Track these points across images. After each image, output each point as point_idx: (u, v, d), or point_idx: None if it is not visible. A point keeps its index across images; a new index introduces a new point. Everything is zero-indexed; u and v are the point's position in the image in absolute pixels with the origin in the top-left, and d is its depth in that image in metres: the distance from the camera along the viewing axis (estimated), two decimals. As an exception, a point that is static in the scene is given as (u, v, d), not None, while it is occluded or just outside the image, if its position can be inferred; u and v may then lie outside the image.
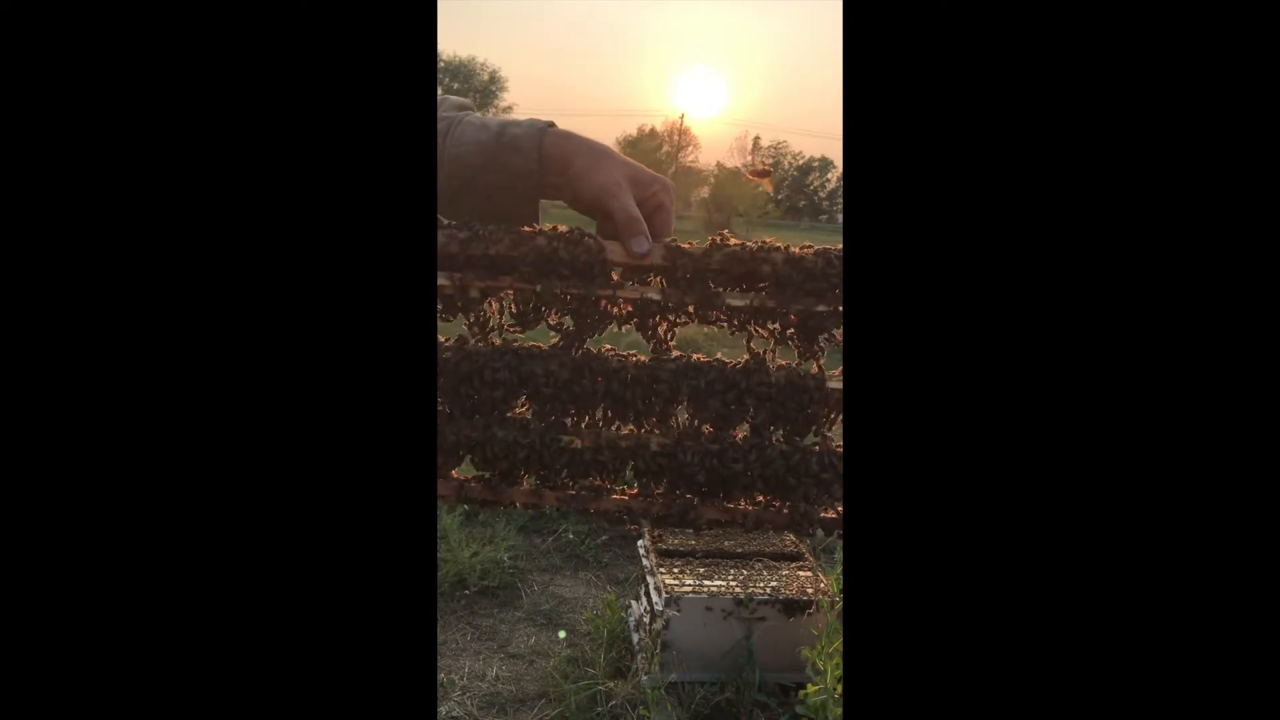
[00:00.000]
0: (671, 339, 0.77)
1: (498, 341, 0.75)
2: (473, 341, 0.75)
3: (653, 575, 2.39)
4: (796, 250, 0.73)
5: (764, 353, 0.76)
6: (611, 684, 2.35)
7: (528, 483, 0.76)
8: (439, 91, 0.82)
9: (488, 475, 0.75)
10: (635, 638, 2.47)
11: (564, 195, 0.77)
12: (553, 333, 0.76)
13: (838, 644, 1.99)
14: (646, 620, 2.39)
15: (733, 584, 2.33)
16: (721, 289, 0.74)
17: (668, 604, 2.26)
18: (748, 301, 0.74)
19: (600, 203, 0.74)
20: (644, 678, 2.28)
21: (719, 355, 0.78)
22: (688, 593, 2.27)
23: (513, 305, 0.75)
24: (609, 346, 0.77)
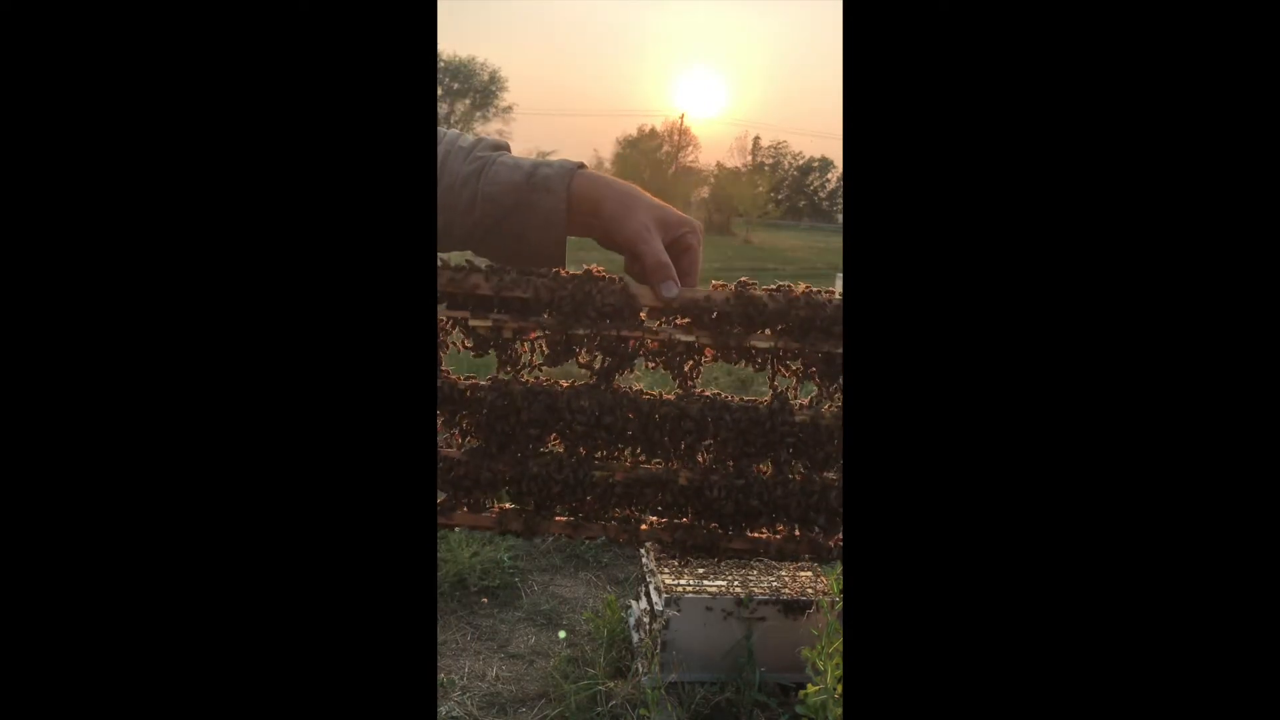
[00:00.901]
0: (697, 376, 0.80)
1: (529, 379, 0.79)
2: (507, 380, 0.78)
3: (653, 575, 2.39)
4: (820, 294, 0.76)
5: (786, 390, 0.79)
6: (611, 684, 2.35)
7: (561, 514, 0.79)
8: (458, 135, 0.83)
9: (523, 508, 0.78)
10: (635, 638, 2.47)
11: (594, 234, 0.80)
12: (583, 370, 0.79)
13: (838, 644, 1.98)
14: (646, 620, 2.39)
15: (733, 584, 2.33)
16: (745, 330, 0.77)
17: (668, 604, 2.26)
18: (771, 344, 0.77)
19: (630, 246, 0.77)
20: (644, 678, 2.28)
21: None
22: (688, 593, 2.27)
23: (544, 345, 0.78)
24: (638, 386, 0.80)
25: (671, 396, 0.79)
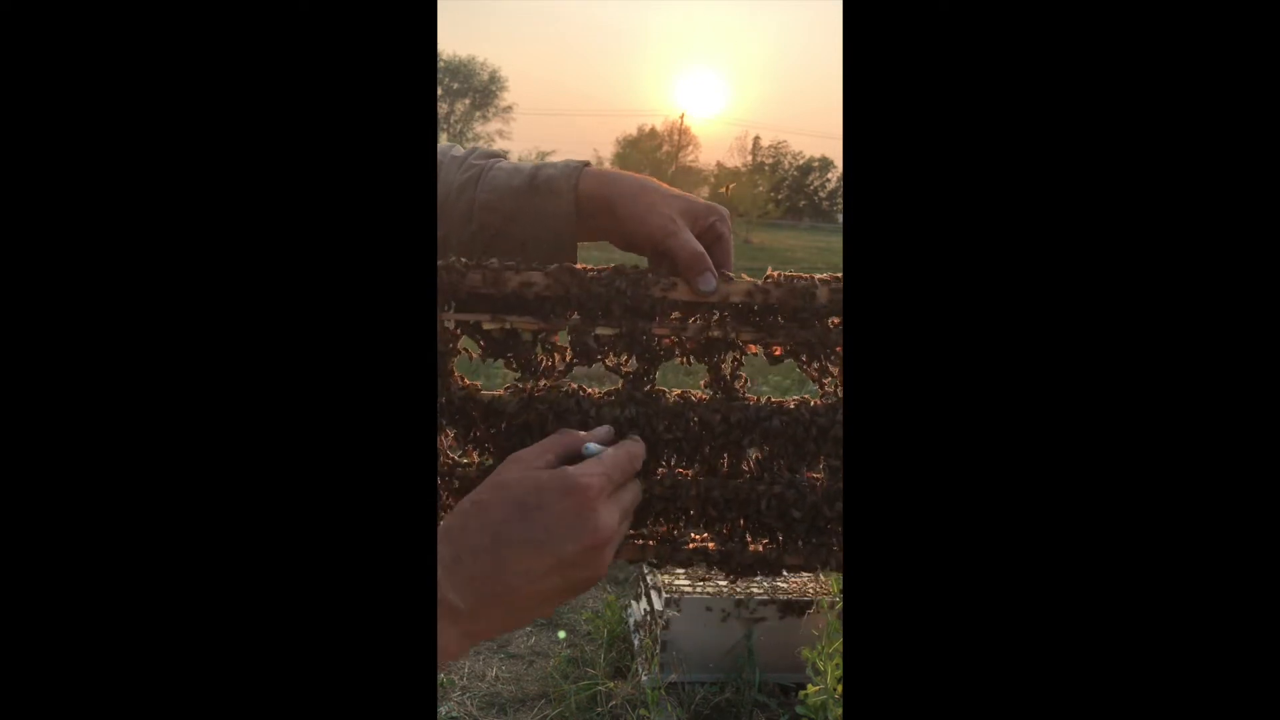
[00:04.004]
0: (741, 378, 0.73)
1: (550, 385, 0.72)
2: (529, 388, 0.71)
3: (653, 575, 2.39)
4: None
5: (835, 388, 0.72)
6: (611, 684, 2.35)
7: None
8: (450, 146, 0.78)
9: None
10: (635, 638, 2.47)
11: (610, 237, 0.73)
12: (611, 373, 0.72)
13: (838, 644, 1.99)
14: (646, 620, 2.40)
15: (733, 584, 2.33)
16: (784, 321, 0.71)
17: (668, 604, 2.26)
18: (813, 336, 0.71)
19: (657, 242, 0.70)
20: (644, 678, 2.28)
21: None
22: (688, 593, 2.27)
23: (568, 349, 0.71)
24: (678, 390, 0.73)
25: (706, 397, 0.72)
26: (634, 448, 0.65)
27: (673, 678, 2.25)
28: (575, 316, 0.70)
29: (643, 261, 0.74)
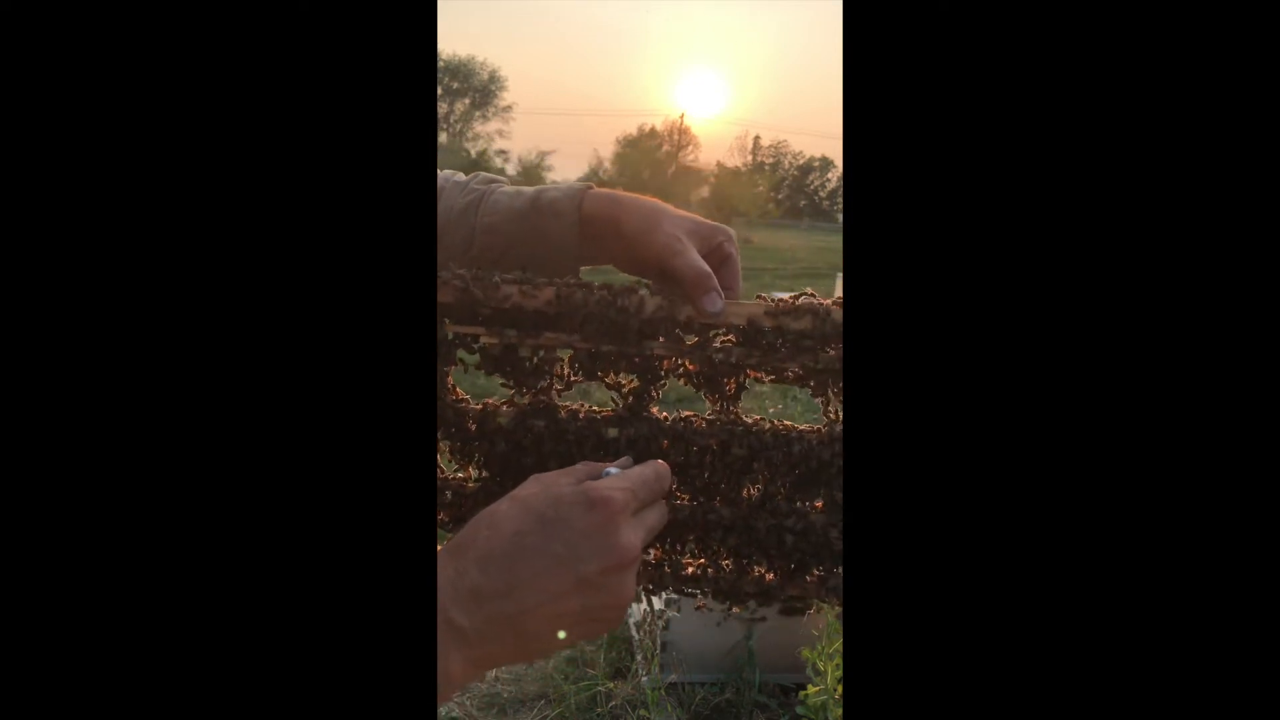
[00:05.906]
0: (739, 397, 0.71)
1: (545, 403, 0.70)
2: (525, 405, 0.70)
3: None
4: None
5: (838, 417, 0.70)
6: (611, 684, 2.36)
7: None
8: (451, 173, 0.77)
9: None
10: (635, 638, 2.47)
11: (614, 259, 0.72)
12: (611, 392, 0.71)
13: (838, 644, 1.99)
14: (646, 620, 2.40)
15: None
16: (793, 347, 0.69)
17: (668, 604, 2.26)
18: (821, 364, 0.68)
19: (662, 262, 0.67)
20: (644, 678, 2.28)
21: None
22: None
23: (565, 366, 0.70)
24: (686, 413, 0.72)
25: (706, 420, 0.71)
26: (660, 467, 0.63)
27: (673, 678, 2.25)
28: (577, 333, 0.68)
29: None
